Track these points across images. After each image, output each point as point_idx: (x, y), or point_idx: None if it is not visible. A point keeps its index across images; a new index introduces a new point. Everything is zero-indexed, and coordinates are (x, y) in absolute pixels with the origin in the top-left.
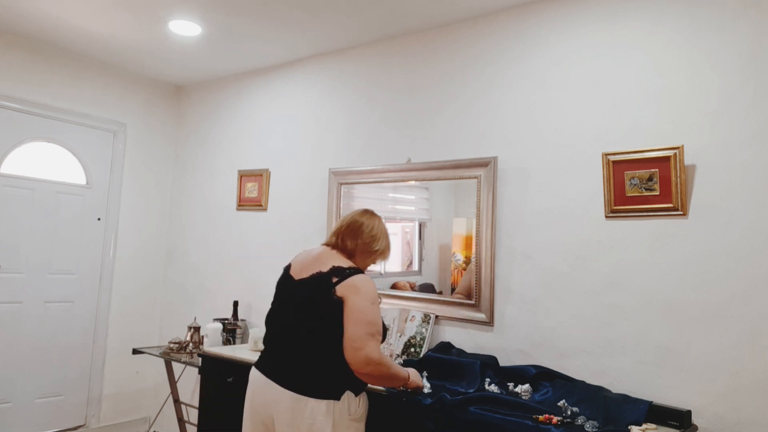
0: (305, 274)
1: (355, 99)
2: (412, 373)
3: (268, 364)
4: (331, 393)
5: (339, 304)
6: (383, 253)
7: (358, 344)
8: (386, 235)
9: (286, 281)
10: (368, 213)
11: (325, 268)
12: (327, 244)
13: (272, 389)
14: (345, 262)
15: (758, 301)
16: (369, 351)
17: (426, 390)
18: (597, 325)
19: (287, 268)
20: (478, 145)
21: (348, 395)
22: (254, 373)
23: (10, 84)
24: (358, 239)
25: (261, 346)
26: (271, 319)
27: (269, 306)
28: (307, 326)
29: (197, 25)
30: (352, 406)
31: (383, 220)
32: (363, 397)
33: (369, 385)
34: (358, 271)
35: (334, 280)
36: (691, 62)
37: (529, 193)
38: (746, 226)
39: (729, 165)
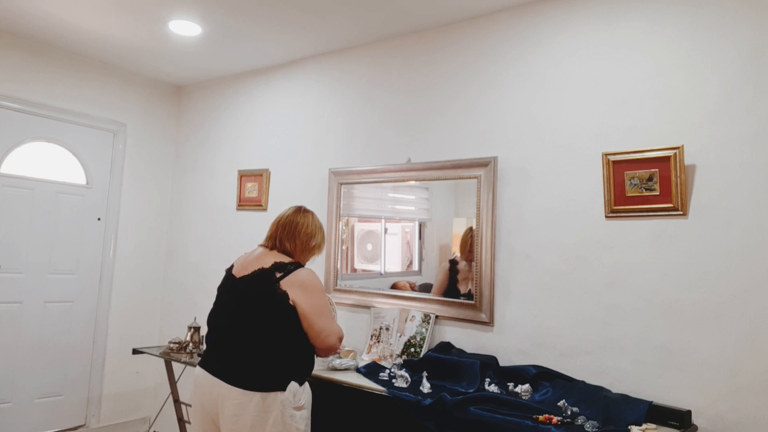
0: (246, 272)
1: (355, 99)
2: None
3: (212, 363)
4: (277, 385)
5: (284, 297)
6: (319, 246)
7: (328, 332)
8: (321, 229)
9: (227, 280)
10: (301, 211)
11: (267, 264)
12: (265, 246)
13: (219, 387)
14: (286, 259)
15: (758, 300)
16: (336, 332)
17: (426, 390)
18: (597, 325)
19: (229, 269)
20: (478, 145)
21: (292, 385)
22: (198, 371)
23: (10, 84)
24: (296, 239)
25: None
26: (212, 318)
27: None
28: (250, 321)
29: (197, 25)
30: (297, 395)
31: (316, 215)
32: (306, 385)
33: (370, 385)
34: (300, 265)
35: (278, 275)
36: (691, 62)
37: (529, 193)
38: (746, 226)
39: (729, 165)
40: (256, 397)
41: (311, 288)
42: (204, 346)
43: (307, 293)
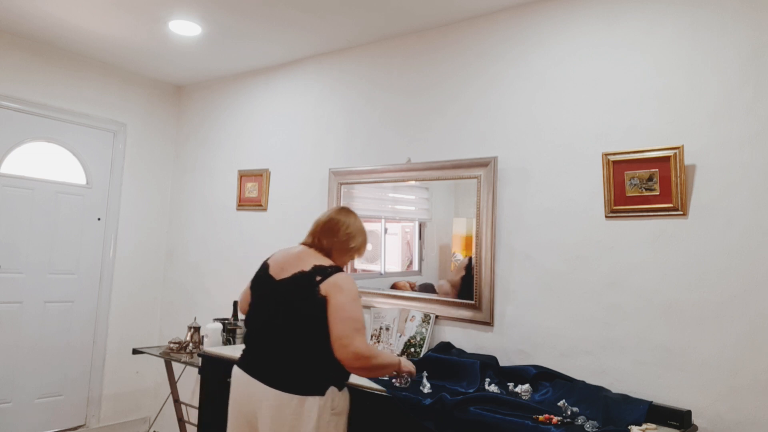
0: (286, 274)
1: (354, 99)
2: (403, 359)
3: (251, 363)
4: (316, 389)
5: (323, 302)
6: (359, 250)
7: (345, 341)
8: (362, 232)
9: (265, 280)
10: (344, 211)
11: (307, 267)
12: (305, 244)
13: (256, 387)
14: (325, 261)
15: (758, 300)
16: (356, 346)
17: (426, 390)
18: (597, 325)
19: (265, 268)
20: (478, 145)
21: (332, 390)
22: (237, 371)
23: (10, 84)
24: (334, 237)
25: None
26: (251, 318)
27: None
28: (290, 324)
29: (197, 25)
30: (335, 401)
31: (359, 218)
32: (345, 391)
33: (370, 385)
34: (339, 269)
35: (318, 279)
36: (691, 62)
37: (529, 193)
38: (746, 226)
39: (729, 165)
40: (294, 400)
41: (345, 291)
42: (204, 347)
43: (339, 295)
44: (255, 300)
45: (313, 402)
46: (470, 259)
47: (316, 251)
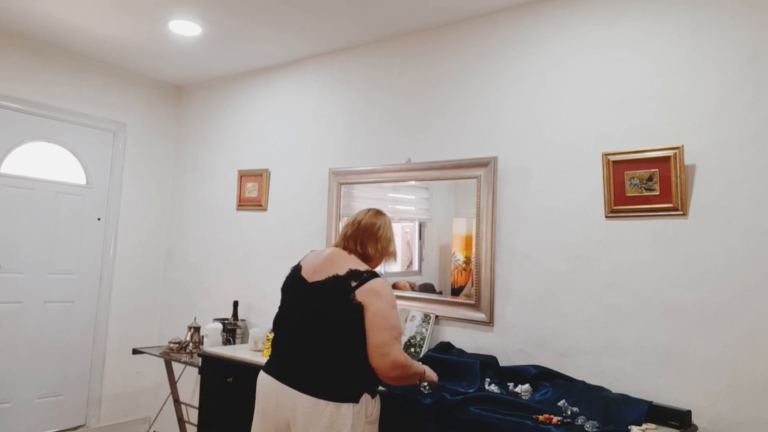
0: (319, 277)
1: (354, 99)
2: (427, 368)
3: (281, 368)
4: (351, 396)
5: (359, 308)
6: (395, 253)
7: (385, 350)
8: (394, 235)
9: (297, 283)
10: (380, 214)
11: (342, 272)
12: (339, 246)
13: (287, 393)
14: (360, 265)
15: (758, 300)
16: (395, 355)
17: (424, 389)
18: (597, 325)
19: (297, 269)
20: (478, 145)
21: (365, 397)
22: (265, 377)
23: (10, 84)
24: (378, 243)
25: (261, 346)
26: (282, 322)
27: (269, 306)
28: (323, 329)
29: (197, 25)
30: (369, 408)
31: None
32: (377, 398)
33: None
34: (375, 274)
35: (354, 284)
36: (691, 62)
37: (529, 193)
38: (746, 226)
39: (729, 165)
40: (329, 407)
41: (384, 297)
42: (204, 347)
43: (378, 301)
44: (286, 302)
45: (347, 409)
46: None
47: (350, 254)
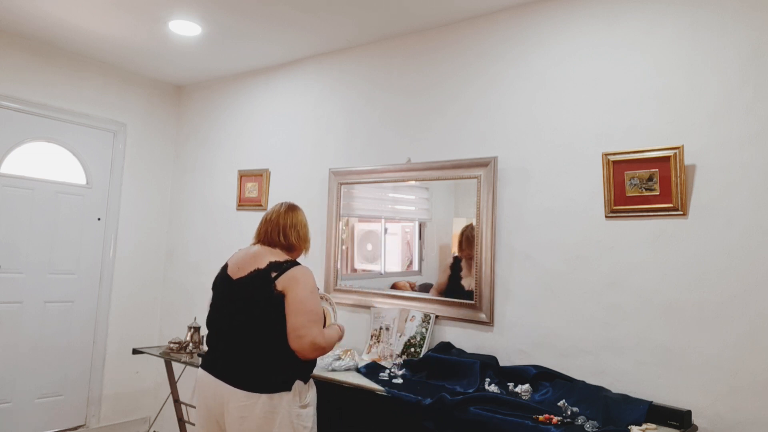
0: (243, 273)
1: (355, 99)
2: (339, 324)
3: (215, 365)
4: (282, 385)
5: (280, 298)
6: (309, 241)
7: (300, 332)
8: (307, 224)
9: (224, 281)
10: (295, 207)
11: (263, 265)
12: (261, 243)
13: (223, 389)
14: (282, 257)
15: (758, 300)
16: (313, 337)
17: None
18: (597, 325)
19: (224, 268)
20: (478, 145)
21: (298, 384)
22: (202, 374)
23: (10, 84)
24: (300, 230)
25: None
26: (213, 320)
27: None
28: (250, 323)
29: (197, 25)
30: (303, 394)
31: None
32: (311, 383)
33: (370, 385)
34: (295, 263)
35: (273, 275)
36: (691, 62)
37: (529, 193)
38: (746, 226)
39: (729, 165)
40: (262, 398)
41: (302, 283)
42: (204, 347)
43: (296, 287)
44: (215, 301)
45: (280, 398)
46: (455, 257)
47: (274, 248)
